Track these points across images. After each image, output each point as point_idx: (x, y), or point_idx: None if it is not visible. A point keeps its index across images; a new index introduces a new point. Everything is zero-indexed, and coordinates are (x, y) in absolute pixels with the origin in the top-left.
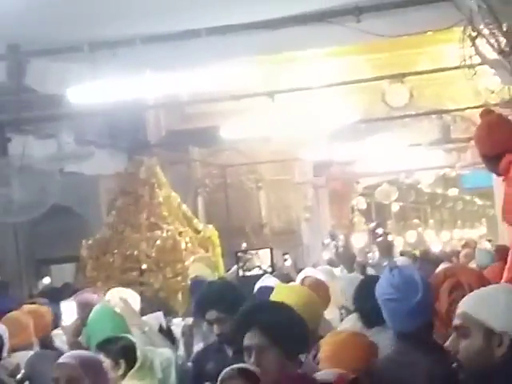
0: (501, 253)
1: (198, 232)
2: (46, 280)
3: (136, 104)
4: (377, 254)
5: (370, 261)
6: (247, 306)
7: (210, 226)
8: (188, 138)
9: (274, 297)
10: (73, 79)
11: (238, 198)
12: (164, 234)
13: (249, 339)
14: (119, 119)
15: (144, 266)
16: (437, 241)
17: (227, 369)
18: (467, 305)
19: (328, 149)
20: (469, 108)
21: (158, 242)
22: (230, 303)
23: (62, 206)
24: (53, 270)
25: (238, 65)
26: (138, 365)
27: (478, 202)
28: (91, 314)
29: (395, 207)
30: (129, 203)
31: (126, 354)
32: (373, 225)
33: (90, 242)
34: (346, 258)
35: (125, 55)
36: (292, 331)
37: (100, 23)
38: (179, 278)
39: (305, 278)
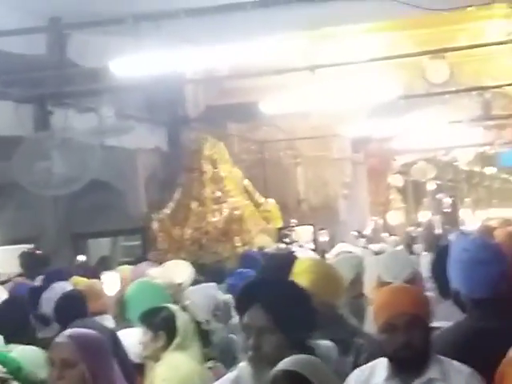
0: None
1: (259, 205)
2: (81, 257)
3: (176, 78)
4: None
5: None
6: (250, 281)
7: (271, 200)
8: (227, 113)
9: (294, 270)
10: (114, 52)
11: (275, 173)
12: (230, 207)
13: (249, 318)
14: (159, 94)
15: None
16: (473, 219)
17: (274, 370)
18: None
19: (367, 125)
20: (510, 85)
21: (225, 213)
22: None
23: (100, 181)
24: (90, 245)
25: (278, 39)
26: (178, 337)
27: None
28: (130, 287)
29: (432, 185)
30: (193, 179)
31: (166, 325)
32: (440, 195)
33: (160, 215)
34: (427, 239)
35: (168, 28)
36: (299, 312)
37: None
38: (246, 247)
39: (340, 252)
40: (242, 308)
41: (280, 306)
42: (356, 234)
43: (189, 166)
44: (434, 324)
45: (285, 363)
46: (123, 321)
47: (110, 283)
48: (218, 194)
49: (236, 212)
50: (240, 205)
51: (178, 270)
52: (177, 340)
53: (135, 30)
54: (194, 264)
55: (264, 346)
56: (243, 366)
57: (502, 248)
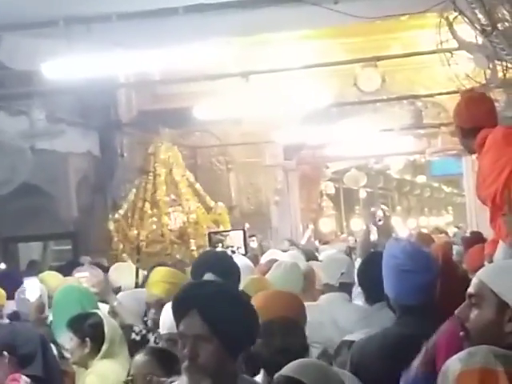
0: (477, 237)
1: (210, 209)
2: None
3: (109, 82)
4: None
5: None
6: (187, 284)
7: (220, 204)
8: (159, 118)
9: (149, 279)
10: (46, 55)
11: (207, 179)
12: (185, 209)
13: (185, 325)
14: (91, 97)
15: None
16: (403, 228)
17: (277, 375)
18: (485, 274)
19: (299, 132)
20: (441, 94)
21: (180, 216)
22: (227, 267)
23: (31, 184)
24: (20, 249)
25: (212, 45)
26: (105, 344)
27: (446, 189)
28: (57, 293)
29: (363, 193)
30: (147, 181)
31: (93, 332)
32: (373, 209)
33: (116, 216)
34: (363, 246)
35: (100, 32)
36: (239, 320)
37: None
38: (201, 251)
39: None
40: (178, 315)
41: (218, 313)
42: (287, 242)
43: (144, 169)
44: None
45: (287, 368)
46: (44, 326)
47: (32, 289)
48: (173, 197)
49: (192, 215)
50: (194, 208)
51: (119, 274)
52: (104, 347)
53: (67, 32)
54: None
55: (201, 356)
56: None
57: (431, 256)
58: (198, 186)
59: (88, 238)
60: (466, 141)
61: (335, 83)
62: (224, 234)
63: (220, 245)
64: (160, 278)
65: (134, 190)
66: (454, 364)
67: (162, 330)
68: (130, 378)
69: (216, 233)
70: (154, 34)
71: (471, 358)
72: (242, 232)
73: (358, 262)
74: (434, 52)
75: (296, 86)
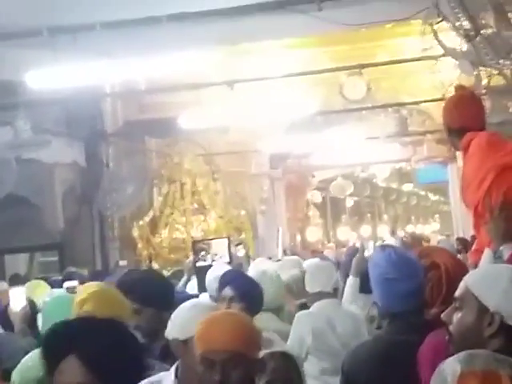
0: (463, 243)
1: (233, 217)
2: None
3: (94, 91)
4: None
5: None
6: (62, 324)
7: (243, 212)
8: (145, 128)
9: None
10: (31, 65)
11: None
12: (207, 218)
13: (61, 374)
14: (76, 108)
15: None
16: (390, 236)
17: None
18: (468, 278)
19: (285, 141)
20: (426, 101)
21: (203, 224)
22: (147, 293)
23: (16, 195)
24: (6, 260)
25: (196, 54)
26: None
27: (432, 197)
28: (47, 303)
29: (350, 202)
30: (174, 190)
31: None
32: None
33: (140, 223)
34: (359, 267)
35: (85, 41)
36: (125, 362)
37: (60, 8)
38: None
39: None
40: (51, 360)
41: (102, 357)
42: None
43: (171, 178)
44: None
45: None
46: (30, 335)
47: (17, 298)
48: (195, 205)
49: (213, 224)
50: (215, 217)
51: None
52: None
53: (51, 42)
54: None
55: None
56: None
57: (415, 263)
58: (221, 194)
59: (74, 248)
60: (453, 139)
61: (321, 92)
62: (207, 242)
63: (203, 253)
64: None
65: (161, 198)
66: (452, 365)
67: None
68: None
69: (200, 241)
70: (138, 43)
71: (473, 360)
72: (226, 240)
73: (350, 280)
74: (419, 59)
75: (281, 95)
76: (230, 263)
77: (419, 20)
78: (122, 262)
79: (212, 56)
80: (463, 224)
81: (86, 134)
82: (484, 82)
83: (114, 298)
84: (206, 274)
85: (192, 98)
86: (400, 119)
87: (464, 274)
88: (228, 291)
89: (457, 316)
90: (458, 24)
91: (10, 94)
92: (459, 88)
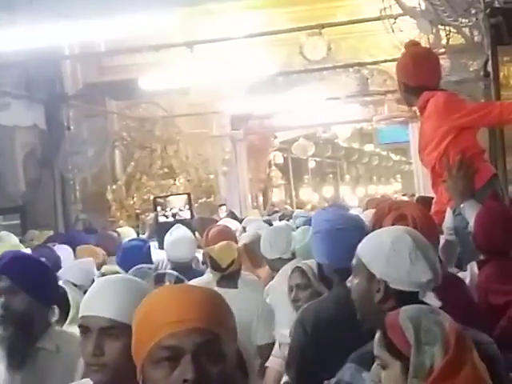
0: (422, 202)
1: (202, 180)
2: None
3: (53, 53)
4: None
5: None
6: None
7: (212, 176)
8: (105, 90)
9: None
10: None
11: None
12: (176, 182)
13: None
14: (36, 70)
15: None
16: (352, 196)
17: None
18: (360, 246)
19: (246, 102)
20: (386, 61)
21: (173, 187)
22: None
23: None
24: None
25: (156, 15)
26: (73, 310)
27: (394, 157)
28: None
29: (312, 163)
30: (144, 156)
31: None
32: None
33: (114, 187)
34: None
35: (43, 2)
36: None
37: None
38: None
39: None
40: None
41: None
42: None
43: (141, 145)
44: None
45: None
46: None
47: None
48: (166, 170)
49: (181, 188)
50: (183, 181)
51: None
52: (73, 313)
53: (9, 4)
54: None
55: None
56: None
57: (360, 218)
58: (191, 158)
59: (36, 211)
60: (408, 96)
61: (281, 52)
62: (167, 198)
63: (160, 208)
64: None
65: (133, 164)
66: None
67: None
68: None
69: (160, 197)
70: (97, 4)
71: None
72: (185, 196)
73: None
74: (378, 18)
75: (241, 56)
76: (191, 218)
77: None
78: (82, 216)
79: (173, 17)
80: (425, 184)
81: (45, 97)
82: (443, 41)
83: None
84: (166, 231)
85: (152, 60)
86: (361, 79)
87: (431, 228)
88: None
89: (353, 282)
90: None
91: None
92: (412, 44)
